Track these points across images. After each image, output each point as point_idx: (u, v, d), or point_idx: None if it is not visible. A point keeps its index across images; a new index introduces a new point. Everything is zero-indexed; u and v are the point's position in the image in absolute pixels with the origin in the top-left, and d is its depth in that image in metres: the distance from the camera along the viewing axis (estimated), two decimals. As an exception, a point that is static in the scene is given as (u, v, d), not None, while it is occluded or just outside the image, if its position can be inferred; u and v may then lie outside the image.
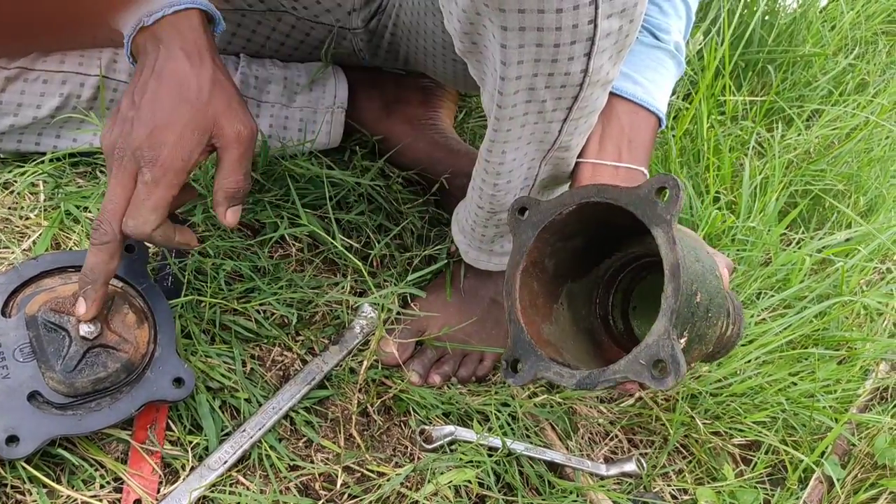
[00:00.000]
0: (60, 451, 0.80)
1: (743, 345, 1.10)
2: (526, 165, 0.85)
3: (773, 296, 1.19)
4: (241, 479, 0.86)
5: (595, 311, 0.86)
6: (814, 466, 1.04)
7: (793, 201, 1.42)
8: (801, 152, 1.51)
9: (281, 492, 0.86)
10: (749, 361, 1.09)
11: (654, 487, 1.04)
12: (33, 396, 0.78)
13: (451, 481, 0.91)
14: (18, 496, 0.79)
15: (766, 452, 1.07)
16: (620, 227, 0.80)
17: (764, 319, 1.17)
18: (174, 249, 0.99)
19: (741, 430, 1.08)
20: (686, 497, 1.04)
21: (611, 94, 0.87)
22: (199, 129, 0.77)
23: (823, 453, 1.06)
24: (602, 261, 0.87)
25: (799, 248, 1.30)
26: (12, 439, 0.75)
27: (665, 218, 0.68)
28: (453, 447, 0.96)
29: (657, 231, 0.69)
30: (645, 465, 1.03)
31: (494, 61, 0.73)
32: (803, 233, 1.40)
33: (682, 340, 0.67)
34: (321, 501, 0.87)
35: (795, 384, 1.10)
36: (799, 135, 1.54)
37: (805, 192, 1.45)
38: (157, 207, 0.76)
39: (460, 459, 0.94)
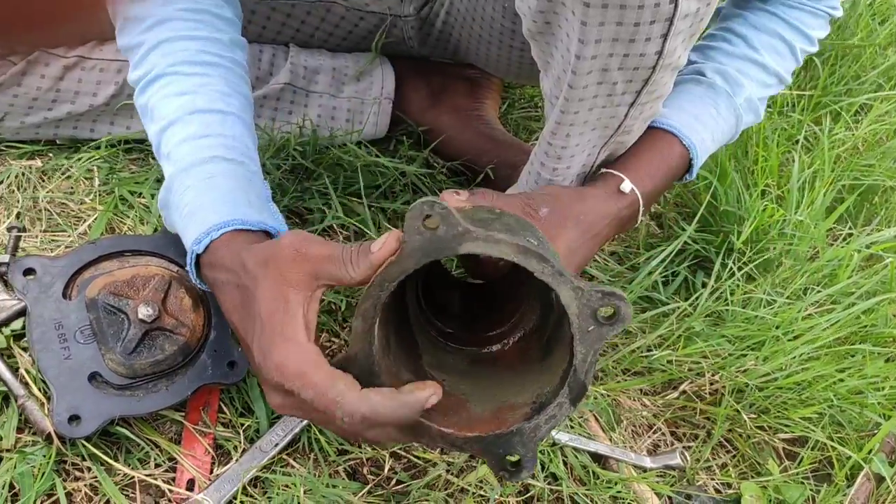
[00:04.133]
0: (119, 429, 0.82)
1: (790, 339, 1.09)
2: (587, 152, 0.86)
3: (819, 291, 1.17)
4: (292, 461, 0.87)
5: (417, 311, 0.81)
6: (862, 463, 1.03)
7: (840, 197, 1.40)
8: (849, 147, 1.49)
9: (330, 475, 0.87)
10: (795, 357, 1.08)
11: (698, 481, 1.04)
12: (94, 377, 0.80)
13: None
14: (77, 473, 0.81)
15: (812, 448, 1.07)
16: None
17: (810, 315, 1.16)
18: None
19: (787, 426, 1.07)
20: (730, 491, 1.03)
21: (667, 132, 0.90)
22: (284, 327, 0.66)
23: (871, 450, 1.05)
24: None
25: (847, 243, 1.29)
26: (74, 418, 0.77)
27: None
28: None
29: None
30: (689, 458, 1.03)
31: (569, 41, 0.73)
32: (851, 228, 1.38)
33: None
34: (369, 486, 0.88)
35: (842, 380, 1.09)
36: (847, 129, 1.51)
37: (852, 188, 1.43)
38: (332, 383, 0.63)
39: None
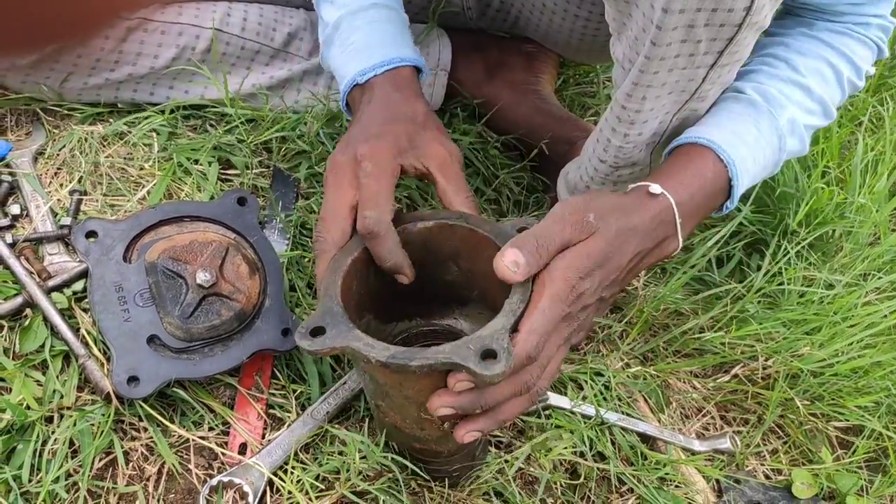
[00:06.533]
0: (176, 391, 0.83)
1: (848, 326, 1.07)
2: (659, 118, 0.83)
3: (880, 277, 1.15)
4: (343, 429, 0.88)
5: None
6: (919, 455, 1.01)
7: (903, 181, 1.36)
8: (914, 129, 1.44)
9: (377, 444, 0.87)
10: (852, 344, 1.06)
11: (747, 466, 1.02)
12: (152, 340, 0.81)
13: (547, 452, 0.92)
14: (134, 432, 0.83)
15: (868, 438, 1.05)
16: (436, 292, 0.83)
17: (869, 301, 1.13)
18: (280, 203, 1.01)
19: (842, 413, 1.05)
20: (780, 477, 1.02)
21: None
22: (410, 138, 0.81)
23: (929, 442, 1.03)
24: (398, 321, 0.86)
25: (910, 229, 1.25)
26: (133, 379, 0.78)
27: None
28: (547, 413, 0.96)
29: None
30: (739, 442, 1.02)
31: None
32: (914, 214, 1.34)
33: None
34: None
35: (901, 369, 1.06)
36: (913, 111, 1.47)
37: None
38: (388, 192, 0.76)
39: (554, 426, 0.94)
